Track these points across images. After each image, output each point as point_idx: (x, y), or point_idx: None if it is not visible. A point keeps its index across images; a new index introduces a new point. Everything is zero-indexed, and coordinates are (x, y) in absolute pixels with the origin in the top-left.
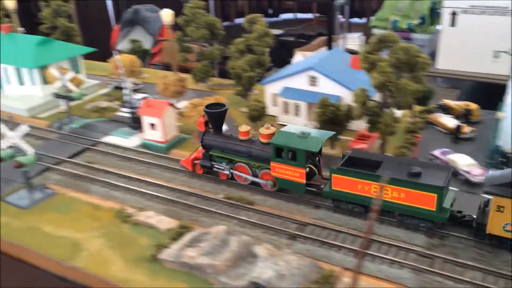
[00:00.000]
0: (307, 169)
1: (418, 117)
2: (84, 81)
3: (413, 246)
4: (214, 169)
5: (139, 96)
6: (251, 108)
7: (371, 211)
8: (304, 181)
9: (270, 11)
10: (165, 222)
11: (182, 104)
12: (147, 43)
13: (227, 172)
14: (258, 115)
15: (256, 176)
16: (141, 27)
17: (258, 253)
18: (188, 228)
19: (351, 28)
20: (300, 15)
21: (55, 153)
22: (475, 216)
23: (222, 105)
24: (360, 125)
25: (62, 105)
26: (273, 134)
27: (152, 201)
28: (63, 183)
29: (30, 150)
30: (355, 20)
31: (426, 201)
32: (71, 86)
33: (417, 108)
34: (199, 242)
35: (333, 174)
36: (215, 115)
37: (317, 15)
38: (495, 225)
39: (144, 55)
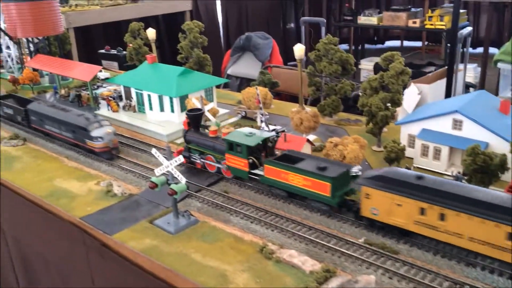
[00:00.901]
0: (250, 161)
1: None
2: (218, 110)
3: None
4: (191, 159)
5: (270, 128)
6: (388, 150)
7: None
8: (247, 169)
9: (375, 38)
10: (309, 264)
11: (310, 138)
12: (255, 69)
13: (199, 162)
14: (395, 157)
15: (220, 163)
16: (251, 53)
17: None
18: (333, 272)
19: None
20: (407, 43)
21: (193, 180)
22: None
23: (199, 109)
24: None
25: None
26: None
27: (291, 239)
28: (204, 211)
29: (182, 179)
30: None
31: (323, 189)
32: (209, 116)
33: None
34: None
35: (265, 165)
36: (193, 117)
37: (426, 43)
38: (365, 209)
39: (272, 87)
